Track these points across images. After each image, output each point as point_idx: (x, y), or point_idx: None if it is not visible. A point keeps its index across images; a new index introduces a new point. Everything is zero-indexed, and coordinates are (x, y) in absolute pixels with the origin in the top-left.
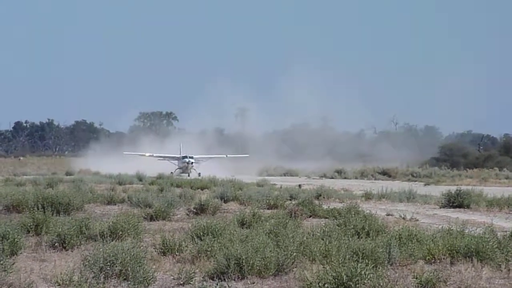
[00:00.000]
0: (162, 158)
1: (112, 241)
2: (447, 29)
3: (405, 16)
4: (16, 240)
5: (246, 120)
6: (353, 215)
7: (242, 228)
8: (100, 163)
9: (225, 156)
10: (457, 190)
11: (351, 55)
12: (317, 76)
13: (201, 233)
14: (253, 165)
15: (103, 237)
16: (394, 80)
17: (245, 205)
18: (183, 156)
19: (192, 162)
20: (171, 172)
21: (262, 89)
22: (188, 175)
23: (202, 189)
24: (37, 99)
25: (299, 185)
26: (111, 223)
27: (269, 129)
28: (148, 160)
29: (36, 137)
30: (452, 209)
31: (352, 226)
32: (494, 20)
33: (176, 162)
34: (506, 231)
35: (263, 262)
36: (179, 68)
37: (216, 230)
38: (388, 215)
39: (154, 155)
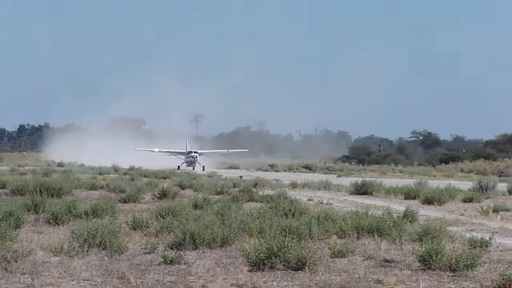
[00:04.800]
0: (170, 154)
1: (94, 218)
2: (356, 38)
3: (324, 28)
4: (19, 217)
5: (199, 124)
6: (282, 200)
7: (196, 209)
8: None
9: (226, 150)
10: (362, 181)
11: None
12: (255, 86)
13: (163, 213)
14: (204, 161)
15: (87, 215)
16: (317, 88)
17: (198, 191)
18: (188, 151)
19: (196, 157)
20: (178, 166)
21: (211, 97)
22: (193, 168)
23: (164, 179)
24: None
25: (240, 176)
26: (93, 204)
27: (216, 132)
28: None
29: (35, 137)
30: (359, 196)
31: (281, 209)
32: (392, 25)
33: (182, 157)
34: (400, 213)
35: (212, 236)
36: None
37: (175, 211)
38: (309, 200)
39: (163, 150)
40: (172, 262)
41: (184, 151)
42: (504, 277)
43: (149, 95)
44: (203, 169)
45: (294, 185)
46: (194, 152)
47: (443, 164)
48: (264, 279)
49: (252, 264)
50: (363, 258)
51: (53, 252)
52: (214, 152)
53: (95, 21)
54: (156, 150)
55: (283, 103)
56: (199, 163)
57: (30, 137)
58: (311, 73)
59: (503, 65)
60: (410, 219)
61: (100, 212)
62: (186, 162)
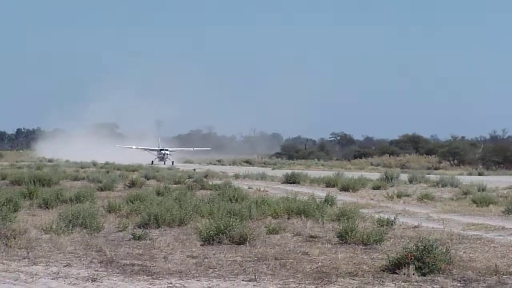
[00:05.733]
0: (145, 150)
1: (77, 203)
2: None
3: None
4: (17, 202)
5: (161, 128)
6: (227, 188)
7: (158, 196)
8: (69, 153)
9: (192, 149)
10: (292, 172)
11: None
12: (205, 95)
13: (133, 199)
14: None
15: (71, 201)
16: (253, 95)
17: (160, 181)
18: (160, 149)
19: (167, 153)
20: (152, 161)
21: (170, 105)
22: (164, 163)
23: (133, 171)
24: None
25: (194, 169)
26: (76, 192)
27: (175, 133)
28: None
29: (29, 138)
30: (289, 184)
31: (227, 195)
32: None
33: (155, 153)
34: (321, 198)
35: (171, 217)
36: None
37: (142, 197)
38: (249, 188)
39: (139, 147)
40: (139, 238)
41: (157, 148)
42: (406, 249)
43: (122, 103)
44: (172, 164)
45: (237, 176)
46: (165, 150)
47: (356, 159)
48: (213, 252)
49: (203, 239)
50: (292, 234)
51: (44, 230)
52: (182, 150)
53: (76, 35)
54: (134, 147)
55: (228, 108)
56: (169, 158)
57: (26, 138)
58: (248, 81)
59: (405, 71)
60: (330, 203)
61: (82, 198)
62: (158, 157)
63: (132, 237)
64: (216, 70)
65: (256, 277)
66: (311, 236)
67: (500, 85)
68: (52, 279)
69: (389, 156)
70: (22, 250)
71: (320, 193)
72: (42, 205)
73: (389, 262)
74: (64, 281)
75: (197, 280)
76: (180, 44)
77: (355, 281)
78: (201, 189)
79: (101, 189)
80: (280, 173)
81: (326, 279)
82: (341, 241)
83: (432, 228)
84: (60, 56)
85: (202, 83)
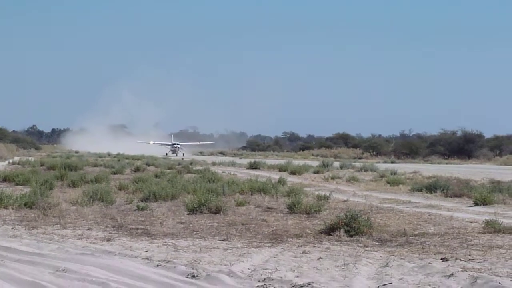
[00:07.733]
0: (160, 145)
1: (96, 183)
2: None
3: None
4: (52, 182)
5: (158, 127)
6: (207, 172)
7: (156, 178)
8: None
9: (199, 142)
10: (254, 161)
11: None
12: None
13: (137, 180)
14: (158, 150)
15: (92, 181)
16: (227, 98)
17: (157, 167)
18: (173, 143)
19: (178, 147)
20: (166, 153)
21: (165, 109)
22: (176, 155)
23: (137, 160)
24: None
25: (182, 159)
26: (95, 175)
27: (167, 131)
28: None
29: (62, 135)
30: (252, 169)
31: (207, 178)
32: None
33: (169, 147)
34: (276, 180)
35: (165, 194)
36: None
37: (144, 179)
38: (223, 172)
39: (156, 142)
40: (142, 209)
41: (170, 143)
42: (338, 217)
43: (128, 107)
44: (183, 155)
45: (214, 164)
46: (177, 144)
47: (301, 151)
48: (196, 219)
49: (189, 210)
50: (254, 206)
51: (72, 203)
52: (191, 144)
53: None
54: (151, 142)
55: (206, 111)
56: (180, 151)
57: (59, 135)
58: (225, 88)
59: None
60: (282, 183)
61: (100, 179)
62: (171, 150)
63: (136, 208)
64: (199, 79)
65: (228, 237)
66: (268, 208)
67: (410, 91)
68: (78, 239)
69: (326, 149)
70: (56, 217)
71: (275, 175)
72: (70, 185)
73: (326, 227)
74: (87, 240)
75: (185, 240)
76: (172, 56)
77: (300, 240)
78: (187, 173)
79: (114, 173)
80: (245, 161)
81: (279, 239)
82: (290, 211)
83: (357, 201)
84: (84, 64)
85: (189, 89)
